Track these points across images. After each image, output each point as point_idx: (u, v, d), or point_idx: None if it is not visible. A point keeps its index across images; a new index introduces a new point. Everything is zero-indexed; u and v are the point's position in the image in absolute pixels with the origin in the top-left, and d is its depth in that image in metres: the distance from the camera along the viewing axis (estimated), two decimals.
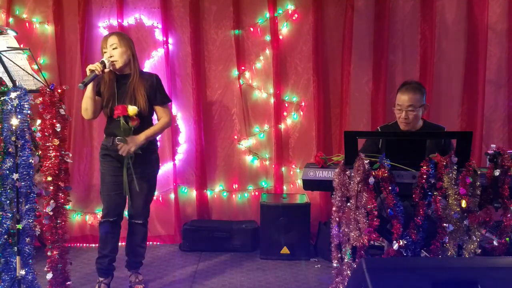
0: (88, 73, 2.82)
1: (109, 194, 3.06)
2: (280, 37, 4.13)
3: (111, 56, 2.95)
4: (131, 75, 3.03)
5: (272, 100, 4.18)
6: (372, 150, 2.98)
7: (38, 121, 2.54)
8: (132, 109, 2.93)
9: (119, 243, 3.19)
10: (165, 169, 4.16)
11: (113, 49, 2.97)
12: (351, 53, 4.08)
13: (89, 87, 2.89)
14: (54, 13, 4.00)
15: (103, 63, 2.87)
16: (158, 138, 3.26)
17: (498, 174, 2.44)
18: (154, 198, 4.11)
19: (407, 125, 3.03)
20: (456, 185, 2.42)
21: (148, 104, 3.02)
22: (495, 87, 4.16)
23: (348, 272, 2.49)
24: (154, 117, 3.18)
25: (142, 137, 2.97)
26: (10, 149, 2.46)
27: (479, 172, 2.46)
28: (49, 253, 2.60)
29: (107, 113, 3.03)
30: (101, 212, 3.11)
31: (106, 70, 2.90)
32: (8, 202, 2.48)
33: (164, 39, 4.06)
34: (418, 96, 2.98)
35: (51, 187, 2.55)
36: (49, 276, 2.60)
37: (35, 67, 2.85)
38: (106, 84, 3.02)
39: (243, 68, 4.17)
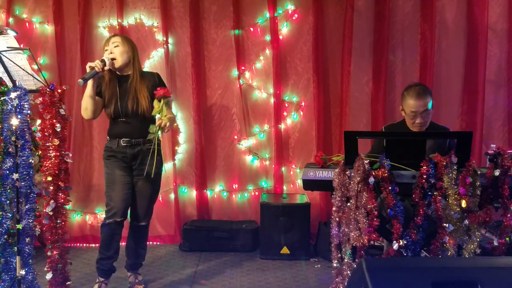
0: (88, 69, 2.81)
1: (118, 193, 3.01)
2: (280, 37, 4.13)
3: (111, 53, 2.95)
4: (131, 75, 3.02)
5: (272, 100, 4.18)
6: (379, 150, 2.98)
7: (38, 121, 2.54)
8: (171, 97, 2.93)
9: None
10: (165, 169, 4.16)
11: (115, 47, 2.97)
12: (351, 53, 4.08)
13: (89, 86, 2.88)
14: (54, 13, 4.00)
15: (103, 61, 2.87)
16: (160, 137, 3.22)
17: (498, 174, 2.44)
18: None
19: (422, 128, 3.01)
20: (456, 185, 2.42)
21: (151, 104, 2.98)
22: (495, 87, 4.16)
23: (348, 272, 2.49)
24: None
25: (171, 117, 2.96)
26: (10, 149, 2.46)
27: (479, 172, 2.46)
28: (49, 253, 2.60)
29: (110, 114, 3.02)
30: (106, 213, 3.05)
31: (106, 68, 2.89)
32: (8, 202, 2.49)
33: (164, 39, 4.06)
34: (429, 98, 2.98)
35: (51, 187, 2.55)
36: (49, 276, 2.60)
37: (35, 67, 2.85)
38: (107, 84, 3.01)
39: (243, 68, 4.17)
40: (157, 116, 2.83)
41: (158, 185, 3.18)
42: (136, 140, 3.00)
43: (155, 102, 2.86)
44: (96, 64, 2.82)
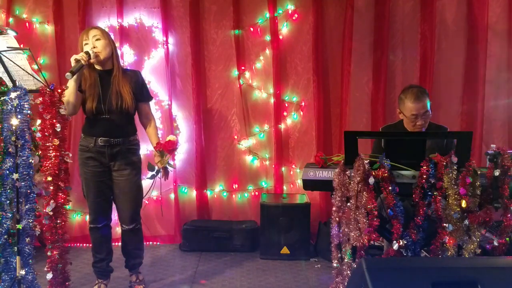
0: (73, 63, 2.71)
1: (95, 200, 2.99)
2: (280, 37, 4.13)
3: (94, 47, 2.84)
4: (113, 70, 2.93)
5: (272, 100, 4.18)
6: (380, 151, 2.99)
7: (38, 121, 2.54)
8: (171, 137, 2.99)
9: (115, 243, 3.19)
10: None
11: (96, 40, 2.86)
12: (351, 53, 4.08)
13: (72, 80, 2.77)
14: (54, 13, 4.00)
15: (87, 53, 2.77)
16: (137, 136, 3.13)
17: (498, 174, 2.44)
18: (154, 198, 4.14)
19: (423, 129, 3.02)
20: (456, 185, 2.42)
21: (134, 102, 2.96)
22: (495, 87, 4.16)
23: (348, 272, 2.49)
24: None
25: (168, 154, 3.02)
26: (10, 149, 2.46)
27: (479, 172, 2.46)
28: (49, 253, 2.60)
29: (91, 110, 2.88)
30: (89, 217, 3.09)
31: (92, 61, 2.80)
32: (8, 202, 2.48)
33: (164, 39, 4.06)
34: (427, 99, 3.00)
35: (51, 187, 2.54)
36: (49, 276, 2.60)
37: (35, 67, 2.85)
38: (87, 80, 2.89)
39: (243, 68, 4.17)
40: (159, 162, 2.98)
41: (139, 186, 3.09)
42: (116, 140, 2.92)
43: (161, 153, 2.95)
44: (82, 56, 2.72)
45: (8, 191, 2.47)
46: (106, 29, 4.01)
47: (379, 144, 3.10)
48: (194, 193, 4.24)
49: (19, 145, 2.45)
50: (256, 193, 4.25)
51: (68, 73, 2.65)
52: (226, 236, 4.02)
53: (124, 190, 3.01)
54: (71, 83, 2.79)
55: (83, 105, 2.92)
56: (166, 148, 2.94)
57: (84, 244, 4.11)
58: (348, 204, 2.50)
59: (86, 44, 2.88)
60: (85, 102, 2.90)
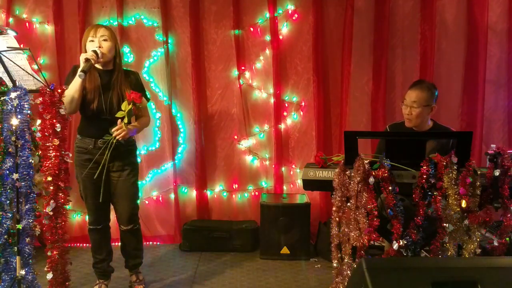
0: (82, 62, 2.71)
1: (93, 202, 2.98)
2: (280, 37, 4.13)
3: (100, 47, 2.82)
4: (114, 71, 2.92)
5: (272, 100, 4.18)
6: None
7: (38, 121, 2.53)
8: (144, 101, 2.92)
9: (115, 243, 3.19)
10: (165, 169, 4.17)
11: (104, 40, 2.84)
12: (351, 53, 4.08)
13: (78, 79, 2.76)
14: (54, 13, 4.00)
15: (96, 52, 2.76)
16: (134, 137, 3.09)
17: (498, 174, 2.44)
18: (154, 198, 4.14)
19: (410, 122, 3.04)
20: (456, 185, 2.42)
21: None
22: (495, 87, 4.16)
23: (348, 272, 2.49)
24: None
25: (135, 126, 2.88)
26: (10, 149, 2.46)
27: (479, 172, 2.46)
28: (49, 253, 2.60)
29: (92, 110, 2.86)
30: (88, 219, 3.10)
31: (99, 60, 2.79)
32: (8, 202, 2.48)
33: (164, 39, 4.06)
34: (425, 95, 2.98)
35: (51, 187, 2.54)
36: (49, 276, 2.59)
37: (35, 67, 2.84)
38: (87, 79, 2.84)
39: (243, 68, 4.17)
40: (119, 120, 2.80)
41: (136, 186, 3.08)
42: (116, 142, 2.90)
43: (123, 105, 2.81)
44: (92, 56, 2.72)
45: (8, 191, 2.47)
46: None
47: (383, 142, 3.11)
48: (194, 193, 4.24)
49: (19, 145, 2.45)
50: (256, 193, 4.25)
51: (80, 73, 2.67)
52: (226, 236, 4.02)
53: (122, 191, 3.01)
54: (79, 80, 2.76)
55: (82, 105, 2.90)
56: (129, 98, 2.80)
57: (84, 244, 4.11)
58: (348, 204, 2.50)
59: (92, 41, 2.85)
60: (84, 101, 2.88)
